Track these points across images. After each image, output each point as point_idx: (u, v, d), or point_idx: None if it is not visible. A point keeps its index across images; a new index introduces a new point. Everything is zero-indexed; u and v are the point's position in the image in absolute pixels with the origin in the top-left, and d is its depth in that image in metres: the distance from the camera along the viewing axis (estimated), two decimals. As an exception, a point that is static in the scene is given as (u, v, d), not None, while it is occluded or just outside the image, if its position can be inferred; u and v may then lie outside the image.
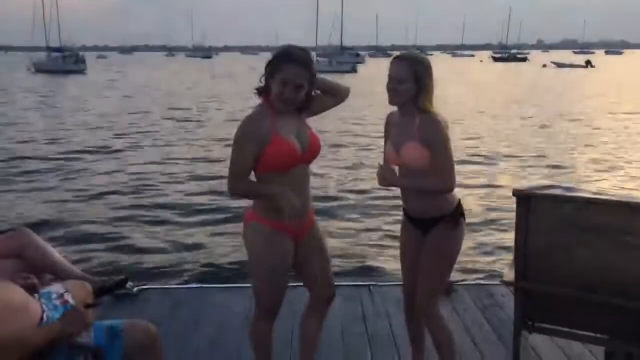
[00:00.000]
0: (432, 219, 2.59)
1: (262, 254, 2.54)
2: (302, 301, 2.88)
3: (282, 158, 2.43)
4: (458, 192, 2.66)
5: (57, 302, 2.32)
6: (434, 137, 2.47)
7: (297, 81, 2.38)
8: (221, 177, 10.59)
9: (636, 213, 2.39)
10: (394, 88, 2.54)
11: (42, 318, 2.15)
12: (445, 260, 2.64)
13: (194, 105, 24.81)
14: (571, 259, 2.53)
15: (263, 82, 2.48)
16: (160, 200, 9.09)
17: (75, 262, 3.50)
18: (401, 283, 4.41)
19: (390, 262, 6.08)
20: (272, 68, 2.41)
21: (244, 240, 2.62)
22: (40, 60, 61.56)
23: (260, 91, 2.50)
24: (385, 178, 2.58)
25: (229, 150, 2.46)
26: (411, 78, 2.50)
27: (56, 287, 2.45)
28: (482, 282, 4.50)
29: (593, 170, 11.25)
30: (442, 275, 2.67)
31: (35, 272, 3.06)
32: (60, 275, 3.07)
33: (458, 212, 2.59)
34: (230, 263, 6.30)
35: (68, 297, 2.39)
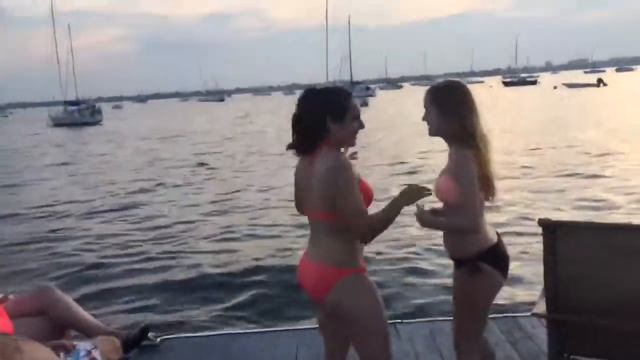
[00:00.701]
0: (460, 260, 2.51)
1: (377, 307, 2.34)
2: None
3: (368, 197, 2.35)
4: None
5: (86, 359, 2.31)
6: (458, 171, 2.38)
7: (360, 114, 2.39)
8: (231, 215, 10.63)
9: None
10: (424, 118, 2.51)
11: (68, 378, 2.14)
12: (467, 304, 2.54)
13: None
14: (603, 287, 2.47)
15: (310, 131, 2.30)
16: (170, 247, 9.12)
17: (96, 316, 3.48)
18: (429, 319, 4.37)
19: (417, 296, 5.99)
20: (338, 110, 2.29)
21: (337, 303, 2.31)
22: (57, 114, 63.01)
23: (319, 137, 2.31)
24: (420, 219, 2.48)
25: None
26: (433, 106, 2.44)
27: (84, 345, 2.46)
28: (510, 314, 4.39)
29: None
30: (469, 318, 2.58)
31: (60, 329, 3.07)
32: (85, 331, 3.06)
33: (485, 256, 2.43)
34: (252, 308, 6.25)
35: (96, 354, 2.39)
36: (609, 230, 2.48)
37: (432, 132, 2.51)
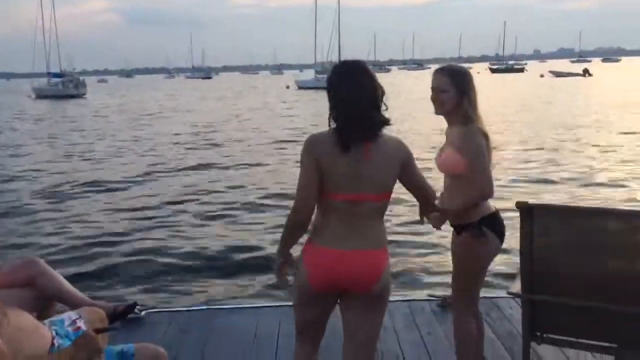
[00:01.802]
0: (463, 225, 2.69)
1: None
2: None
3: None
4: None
5: (70, 329, 2.35)
6: (468, 146, 2.59)
7: None
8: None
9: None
10: (436, 98, 2.69)
11: (52, 344, 2.18)
12: (467, 267, 2.75)
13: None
14: (576, 269, 2.55)
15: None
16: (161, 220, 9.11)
17: (82, 289, 3.51)
18: (409, 299, 4.47)
19: (396, 277, 6.09)
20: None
21: (386, 284, 2.32)
22: (40, 86, 61.99)
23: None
24: (441, 222, 2.68)
25: None
26: (452, 87, 2.64)
27: (69, 314, 2.49)
28: (488, 295, 4.49)
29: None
30: (466, 281, 2.78)
31: (46, 300, 3.09)
32: (71, 303, 3.09)
33: (487, 222, 2.65)
34: (237, 284, 6.32)
35: (80, 324, 2.42)
36: (583, 213, 2.57)
37: (444, 111, 2.71)
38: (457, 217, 2.68)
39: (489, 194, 2.61)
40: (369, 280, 2.25)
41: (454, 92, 2.64)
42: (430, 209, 2.52)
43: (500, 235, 2.71)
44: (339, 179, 2.20)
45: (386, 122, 2.24)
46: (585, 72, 73.28)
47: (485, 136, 2.63)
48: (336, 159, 2.19)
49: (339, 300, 2.41)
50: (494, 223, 2.69)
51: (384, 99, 2.26)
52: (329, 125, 2.25)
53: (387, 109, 2.26)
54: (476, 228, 2.64)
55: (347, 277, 2.24)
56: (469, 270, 2.75)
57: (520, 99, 35.20)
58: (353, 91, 2.20)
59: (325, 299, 2.36)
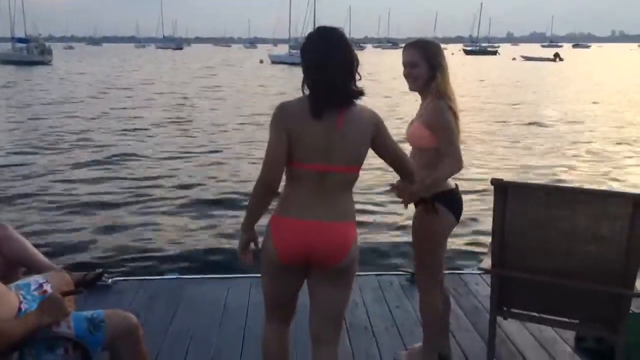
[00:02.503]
0: (418, 201, 2.70)
1: None
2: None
3: None
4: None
5: (36, 293, 2.31)
6: (436, 121, 2.59)
7: None
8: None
9: (607, 202, 2.47)
10: (408, 73, 2.67)
11: (19, 309, 2.14)
12: (422, 240, 2.78)
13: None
14: (543, 245, 2.60)
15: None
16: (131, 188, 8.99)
17: (47, 254, 3.43)
18: (377, 273, 4.51)
19: (365, 251, 6.14)
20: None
21: (354, 258, 2.28)
22: (4, 51, 60.01)
23: None
24: (409, 195, 2.58)
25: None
26: (423, 61, 2.62)
27: (35, 278, 2.44)
28: (456, 271, 4.58)
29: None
30: (424, 253, 2.80)
31: (12, 265, 3.03)
32: (37, 269, 3.03)
33: (441, 198, 2.66)
34: (205, 254, 6.29)
35: (47, 287, 2.38)
36: (555, 191, 2.61)
37: (418, 87, 2.69)
38: (425, 191, 2.62)
39: (456, 169, 2.61)
40: (336, 253, 2.20)
41: (425, 66, 2.62)
42: (403, 185, 2.51)
43: (455, 212, 2.73)
44: (308, 149, 2.13)
45: (360, 92, 2.17)
46: (556, 57, 74.39)
47: (455, 115, 2.62)
48: (306, 128, 2.11)
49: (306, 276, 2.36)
50: (449, 200, 2.70)
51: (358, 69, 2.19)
52: (302, 92, 2.18)
53: (360, 79, 2.19)
54: (429, 203, 2.66)
55: (314, 248, 2.18)
56: (423, 244, 2.78)
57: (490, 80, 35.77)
58: (325, 57, 2.12)
59: (292, 272, 2.29)
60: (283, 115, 2.15)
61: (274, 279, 2.33)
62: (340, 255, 2.20)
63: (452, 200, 2.73)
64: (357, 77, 2.19)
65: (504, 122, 17.54)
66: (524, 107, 21.61)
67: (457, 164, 2.60)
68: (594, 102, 23.54)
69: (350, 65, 2.16)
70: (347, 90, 2.15)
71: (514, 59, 78.12)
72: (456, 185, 2.78)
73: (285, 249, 2.20)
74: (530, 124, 17.14)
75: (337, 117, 2.12)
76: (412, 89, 2.73)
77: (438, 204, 2.67)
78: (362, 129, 2.18)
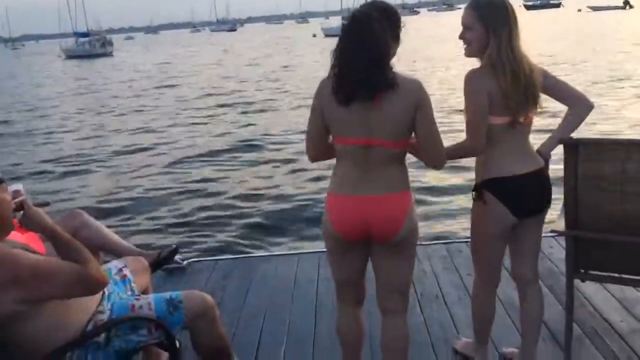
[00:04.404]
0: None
1: None
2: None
3: None
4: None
5: (117, 277, 2.43)
6: (466, 96, 2.33)
7: None
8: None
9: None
10: (462, 37, 2.34)
11: (102, 292, 2.25)
12: (472, 227, 2.65)
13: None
14: (621, 204, 2.48)
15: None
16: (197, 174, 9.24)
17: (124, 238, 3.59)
18: (446, 241, 4.46)
19: (430, 219, 6.06)
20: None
21: (413, 226, 2.25)
22: (69, 46, 62.55)
23: None
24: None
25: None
26: (478, 23, 2.26)
27: (115, 263, 2.56)
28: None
29: None
30: (474, 240, 2.67)
31: (91, 251, 3.18)
32: (116, 253, 3.17)
33: (489, 185, 2.41)
34: (274, 233, 6.41)
35: (126, 272, 2.49)
36: (629, 146, 2.46)
37: (471, 52, 2.35)
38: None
39: (472, 149, 2.35)
40: (392, 224, 2.18)
41: (480, 29, 2.26)
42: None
43: (509, 203, 2.39)
44: (345, 124, 2.12)
45: (390, 84, 2.05)
46: (626, 4, 69.72)
47: (507, 84, 2.23)
48: (338, 108, 2.09)
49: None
50: (499, 188, 2.38)
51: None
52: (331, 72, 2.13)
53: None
54: (475, 190, 2.46)
55: (370, 222, 2.17)
56: (474, 230, 2.61)
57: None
58: (354, 46, 2.06)
59: (354, 248, 2.29)
60: (319, 92, 2.18)
61: (339, 257, 2.35)
62: (397, 226, 2.18)
63: (503, 189, 2.39)
64: (394, 60, 2.11)
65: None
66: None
67: (470, 145, 2.34)
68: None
69: (382, 54, 2.06)
70: (371, 84, 2.04)
71: (579, 10, 73.95)
72: (513, 173, 2.38)
73: (342, 225, 2.22)
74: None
75: (375, 97, 2.07)
76: (466, 54, 2.37)
77: (486, 192, 2.41)
78: (403, 106, 2.09)
